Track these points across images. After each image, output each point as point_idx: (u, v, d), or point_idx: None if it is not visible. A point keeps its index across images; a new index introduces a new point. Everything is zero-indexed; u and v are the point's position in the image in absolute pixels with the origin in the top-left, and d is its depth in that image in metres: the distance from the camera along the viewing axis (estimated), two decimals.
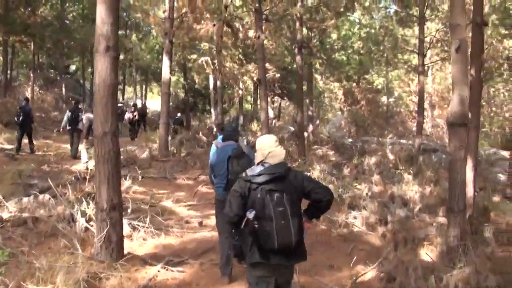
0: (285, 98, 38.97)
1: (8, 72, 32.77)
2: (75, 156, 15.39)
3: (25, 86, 32.00)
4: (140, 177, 12.85)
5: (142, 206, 9.34)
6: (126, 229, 7.40)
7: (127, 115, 23.98)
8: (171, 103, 47.37)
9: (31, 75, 30.50)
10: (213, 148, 10.15)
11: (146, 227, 7.73)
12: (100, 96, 5.71)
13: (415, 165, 16.01)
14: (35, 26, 25.44)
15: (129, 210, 8.34)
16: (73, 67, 41.83)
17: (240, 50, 25.12)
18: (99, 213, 5.97)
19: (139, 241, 7.45)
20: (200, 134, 20.53)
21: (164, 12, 16.03)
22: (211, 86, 26.94)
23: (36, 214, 7.60)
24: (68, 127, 15.31)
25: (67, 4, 33.00)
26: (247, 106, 42.12)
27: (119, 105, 22.94)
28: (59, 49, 28.65)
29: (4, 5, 24.38)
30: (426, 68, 24.38)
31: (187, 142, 19.48)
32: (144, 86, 45.12)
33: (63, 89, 33.64)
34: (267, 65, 29.28)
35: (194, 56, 26.30)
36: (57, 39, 27.31)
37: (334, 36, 28.37)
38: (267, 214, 3.85)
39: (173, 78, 44.07)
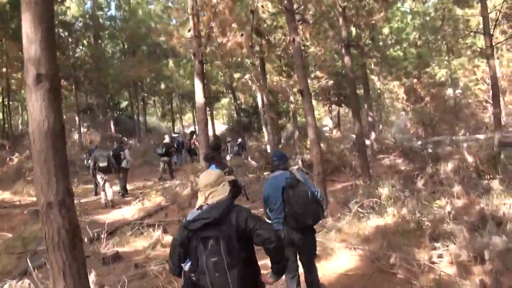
0: (342, 105, 36.71)
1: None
2: (124, 195, 15.50)
3: (71, 129, 31.28)
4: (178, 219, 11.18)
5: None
6: None
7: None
8: (226, 126, 46.56)
9: (76, 117, 29.76)
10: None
11: None
12: (37, 150, 3.72)
13: (499, 166, 13.43)
14: (66, 67, 24.30)
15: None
16: (125, 103, 41.06)
17: (286, 61, 22.99)
18: None
19: None
20: (249, 159, 18.59)
21: (189, 31, 14.28)
22: (260, 104, 24.93)
23: None
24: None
25: (105, 42, 32.27)
26: (302, 120, 40.07)
27: (175, 135, 23.08)
28: (98, 88, 27.22)
29: None
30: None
31: (237, 169, 17.65)
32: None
33: (112, 127, 32.82)
34: (317, 73, 27.28)
35: (237, 75, 24.46)
36: (91, 78, 25.93)
37: (385, 30, 25.67)
38: (200, 266, 3.43)
39: (226, 100, 42.83)
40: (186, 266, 3.52)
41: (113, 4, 28.83)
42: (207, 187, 3.66)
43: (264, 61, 22.47)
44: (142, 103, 37.65)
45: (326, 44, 18.52)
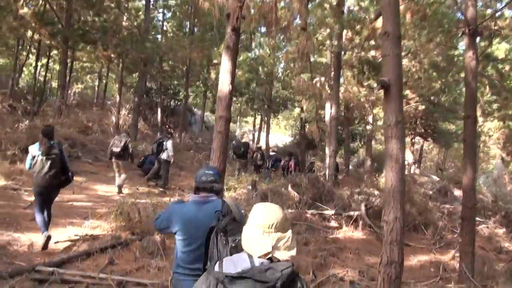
0: (429, 139, 30.97)
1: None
2: (163, 187, 14.46)
3: (111, 108, 27.15)
4: None
5: None
6: None
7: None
8: (292, 138, 41.17)
9: (117, 97, 25.63)
10: None
11: None
12: None
13: None
14: (94, 31, 19.61)
15: None
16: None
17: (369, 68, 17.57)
18: None
19: None
20: (289, 188, 13.33)
21: None
22: (327, 117, 19.47)
23: None
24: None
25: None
26: (379, 148, 34.34)
27: (272, 153, 23.05)
28: (139, 66, 22.59)
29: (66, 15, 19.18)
30: None
31: (272, 197, 12.57)
32: (260, 117, 38.58)
33: (159, 115, 28.55)
34: (407, 92, 21.79)
35: (305, 76, 19.27)
36: (124, 49, 21.11)
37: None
38: None
39: (297, 110, 37.41)
40: None
41: None
42: (272, 228, 2.38)
43: (341, 64, 17.34)
44: (203, 97, 33.20)
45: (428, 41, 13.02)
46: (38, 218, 7.48)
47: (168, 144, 14.35)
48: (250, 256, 2.39)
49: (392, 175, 4.88)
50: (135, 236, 8.32)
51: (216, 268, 2.39)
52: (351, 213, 11.78)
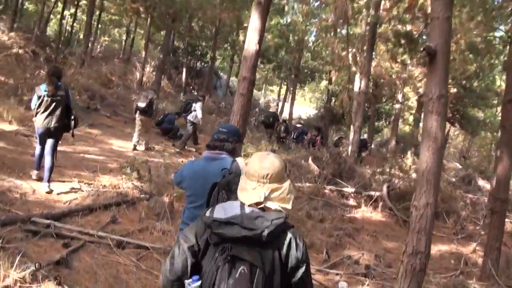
0: (456, 125, 30.02)
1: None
2: (180, 148, 14.23)
3: (136, 64, 26.62)
4: None
5: None
6: None
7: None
8: (316, 111, 40.31)
9: (143, 53, 25.14)
10: None
11: None
12: None
13: None
14: None
15: None
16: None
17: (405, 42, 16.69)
18: None
19: None
20: (310, 160, 12.77)
21: None
22: (355, 90, 18.66)
23: None
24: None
25: None
26: (405, 128, 33.52)
27: (298, 125, 21.94)
28: (167, 22, 22.00)
29: None
30: None
31: (291, 168, 12.10)
32: (286, 87, 37.61)
33: (183, 75, 28.05)
34: None
35: (340, 45, 18.53)
36: (152, 2, 20.37)
37: None
38: None
39: (324, 82, 36.51)
40: (193, 285, 2.08)
41: None
42: (266, 179, 2.28)
43: (375, 37, 16.57)
44: (230, 61, 32.61)
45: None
46: (37, 150, 7.66)
47: (197, 106, 14.12)
48: (242, 204, 2.30)
49: (428, 155, 4.30)
50: (142, 195, 7.91)
51: (208, 213, 2.28)
52: (372, 193, 11.19)
